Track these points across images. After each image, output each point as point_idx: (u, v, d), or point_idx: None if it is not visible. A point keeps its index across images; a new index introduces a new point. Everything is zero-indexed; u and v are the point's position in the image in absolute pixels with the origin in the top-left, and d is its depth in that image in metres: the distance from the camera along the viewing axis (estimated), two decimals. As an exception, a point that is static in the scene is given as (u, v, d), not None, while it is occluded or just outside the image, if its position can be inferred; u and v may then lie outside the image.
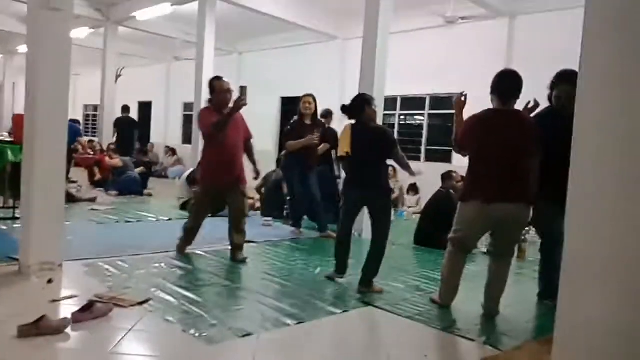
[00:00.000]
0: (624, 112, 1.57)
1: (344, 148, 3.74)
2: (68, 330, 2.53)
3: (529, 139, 3.17)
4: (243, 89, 4.11)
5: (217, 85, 4.34)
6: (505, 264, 3.35)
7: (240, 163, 4.39)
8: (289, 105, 12.10)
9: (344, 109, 3.88)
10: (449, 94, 9.59)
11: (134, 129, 10.78)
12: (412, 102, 10.32)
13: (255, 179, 4.83)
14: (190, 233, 4.49)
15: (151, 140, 16.30)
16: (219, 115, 4.20)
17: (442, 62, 9.41)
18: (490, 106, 3.30)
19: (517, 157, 3.16)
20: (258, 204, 7.42)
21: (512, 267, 3.48)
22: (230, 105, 4.20)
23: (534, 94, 3.52)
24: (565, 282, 1.65)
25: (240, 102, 4.10)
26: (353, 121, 3.81)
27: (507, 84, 3.25)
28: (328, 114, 6.56)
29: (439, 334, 2.92)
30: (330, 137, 5.95)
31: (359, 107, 3.81)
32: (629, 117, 1.56)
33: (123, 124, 10.86)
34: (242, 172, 4.40)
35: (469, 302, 3.46)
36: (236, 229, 4.40)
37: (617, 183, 1.58)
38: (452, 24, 9.11)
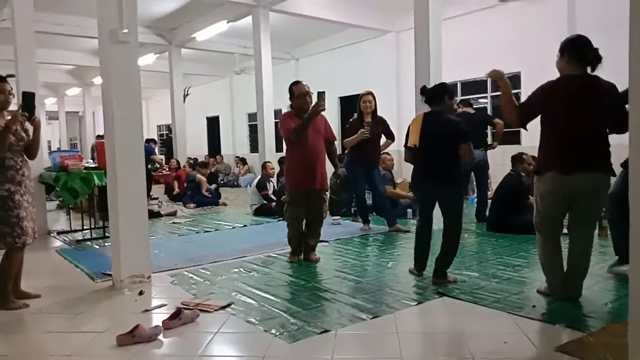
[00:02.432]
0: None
1: (412, 140, 3.69)
2: (160, 337, 2.73)
3: (607, 105, 2.97)
4: (321, 95, 4.17)
5: (295, 89, 4.38)
6: (587, 241, 3.16)
7: (322, 167, 4.39)
8: (347, 104, 12.20)
9: (423, 90, 3.82)
10: (512, 73, 9.27)
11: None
12: (474, 86, 10.06)
13: (337, 182, 4.74)
14: (293, 241, 4.50)
15: (222, 152, 16.98)
16: (299, 119, 4.26)
17: (501, 42, 9.12)
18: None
19: (590, 124, 2.98)
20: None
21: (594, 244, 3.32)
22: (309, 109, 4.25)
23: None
24: (635, 258, 1.60)
25: (319, 108, 4.16)
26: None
27: (582, 47, 3.04)
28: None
29: (519, 320, 2.86)
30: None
31: (439, 95, 3.72)
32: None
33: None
34: (324, 176, 4.42)
35: (548, 285, 3.35)
36: (313, 232, 4.51)
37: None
38: (505, 2, 8.81)
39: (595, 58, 3.01)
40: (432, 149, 3.63)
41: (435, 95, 3.73)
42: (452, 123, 3.66)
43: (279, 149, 9.42)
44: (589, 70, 3.05)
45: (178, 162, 11.77)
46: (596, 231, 3.75)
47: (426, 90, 3.80)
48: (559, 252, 3.21)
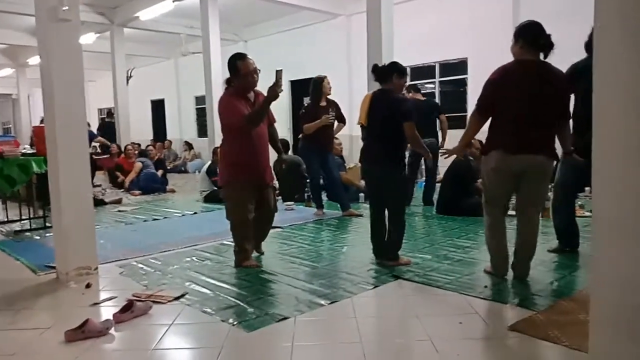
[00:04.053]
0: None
1: (360, 118, 3.74)
2: (112, 331, 2.62)
3: (556, 91, 3.08)
4: (278, 73, 3.52)
5: (241, 66, 3.68)
6: (533, 222, 3.27)
7: (268, 156, 3.92)
8: (298, 88, 12.11)
9: (375, 69, 3.82)
10: (458, 59, 9.48)
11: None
12: (422, 71, 10.22)
13: (280, 169, 4.22)
14: (247, 246, 3.85)
15: (167, 137, 16.50)
16: (244, 101, 3.69)
17: (449, 28, 9.29)
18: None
19: (539, 108, 3.06)
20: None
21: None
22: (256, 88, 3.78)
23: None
24: (596, 241, 1.66)
25: (278, 89, 3.54)
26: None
27: (535, 33, 3.10)
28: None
29: (472, 300, 2.95)
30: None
31: (388, 73, 3.73)
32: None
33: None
34: (270, 166, 3.98)
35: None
36: (267, 228, 4.11)
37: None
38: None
39: (547, 44, 3.09)
40: (377, 127, 3.67)
41: (385, 73, 3.75)
42: (396, 101, 3.67)
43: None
44: (541, 56, 3.13)
45: (119, 147, 11.16)
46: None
47: (377, 69, 3.82)
48: (504, 233, 3.33)
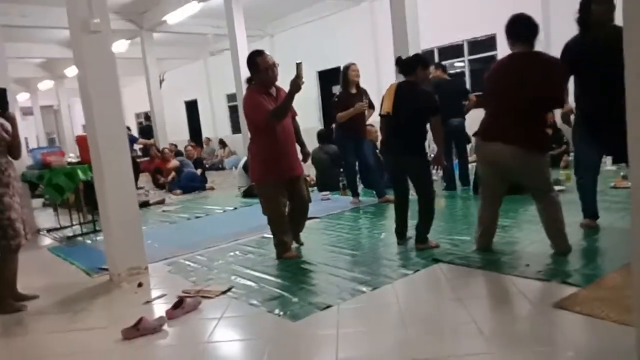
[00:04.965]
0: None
1: (386, 107, 3.76)
2: (165, 327, 2.75)
3: (543, 80, 3.07)
4: (299, 66, 3.55)
5: (260, 62, 3.73)
6: (547, 204, 3.25)
7: (296, 149, 3.97)
8: (326, 78, 12.12)
9: (398, 61, 3.87)
10: (487, 35, 9.27)
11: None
12: (450, 51, 10.05)
13: (304, 161, 4.23)
14: (285, 239, 3.92)
15: (203, 136, 16.81)
16: (267, 97, 3.74)
17: (475, 5, 9.08)
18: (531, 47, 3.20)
19: (519, 100, 3.10)
20: (313, 180, 7.56)
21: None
22: (277, 83, 3.81)
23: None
24: (635, 212, 1.64)
25: (300, 82, 3.55)
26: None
27: (516, 27, 3.19)
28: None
29: (514, 279, 2.93)
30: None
31: (412, 65, 3.77)
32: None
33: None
34: (298, 158, 4.00)
35: (539, 243, 3.45)
36: (302, 219, 4.16)
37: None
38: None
39: (532, 34, 3.14)
40: (402, 118, 3.71)
41: (409, 66, 3.79)
42: (425, 95, 3.73)
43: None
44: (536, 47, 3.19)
45: (158, 149, 11.43)
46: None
47: (400, 61, 3.87)
48: (493, 212, 3.47)
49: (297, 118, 4.15)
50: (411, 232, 3.95)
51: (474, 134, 3.42)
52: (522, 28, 3.18)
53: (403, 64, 3.82)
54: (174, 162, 9.44)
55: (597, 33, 3.36)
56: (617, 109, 3.09)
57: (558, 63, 3.22)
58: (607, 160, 5.95)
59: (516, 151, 3.12)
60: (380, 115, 3.89)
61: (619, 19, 2.35)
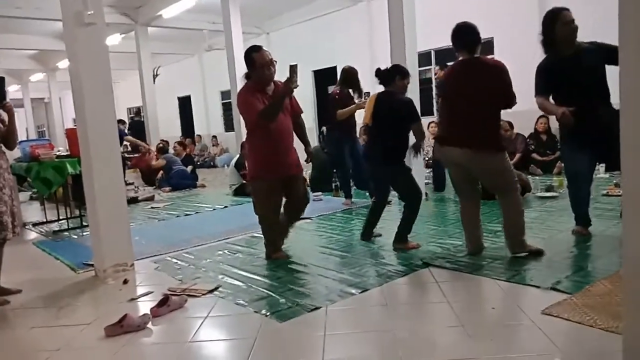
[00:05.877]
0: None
1: (365, 118, 3.86)
2: (149, 325, 2.70)
3: (488, 88, 3.21)
4: (293, 68, 3.48)
5: (256, 58, 3.61)
6: (506, 205, 3.37)
7: (293, 148, 3.83)
8: (321, 78, 12.08)
9: (377, 72, 3.92)
10: (484, 39, 9.27)
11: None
12: (448, 54, 10.03)
13: (307, 161, 4.12)
14: (277, 238, 3.90)
15: (195, 133, 16.72)
16: (262, 95, 3.62)
17: (474, 9, 9.08)
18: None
19: (466, 104, 3.24)
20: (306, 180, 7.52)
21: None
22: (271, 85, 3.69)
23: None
24: (627, 220, 1.62)
25: (292, 85, 3.50)
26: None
27: (458, 35, 3.37)
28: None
29: (504, 285, 2.92)
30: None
31: (389, 76, 3.86)
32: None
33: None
34: (298, 157, 3.87)
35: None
36: (297, 217, 4.08)
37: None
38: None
39: (472, 42, 3.31)
40: (381, 128, 3.85)
41: (387, 77, 3.87)
42: (402, 103, 3.80)
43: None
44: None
45: (148, 150, 11.23)
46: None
47: (379, 72, 3.92)
48: (472, 214, 3.52)
49: None
50: (388, 235, 3.99)
51: (434, 138, 3.54)
52: (462, 37, 3.35)
53: (382, 75, 3.90)
54: (160, 161, 9.35)
55: (567, 51, 3.46)
56: (604, 115, 3.16)
57: (498, 64, 3.32)
58: (600, 168, 5.97)
59: (470, 154, 3.25)
60: (362, 125, 4.01)
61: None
